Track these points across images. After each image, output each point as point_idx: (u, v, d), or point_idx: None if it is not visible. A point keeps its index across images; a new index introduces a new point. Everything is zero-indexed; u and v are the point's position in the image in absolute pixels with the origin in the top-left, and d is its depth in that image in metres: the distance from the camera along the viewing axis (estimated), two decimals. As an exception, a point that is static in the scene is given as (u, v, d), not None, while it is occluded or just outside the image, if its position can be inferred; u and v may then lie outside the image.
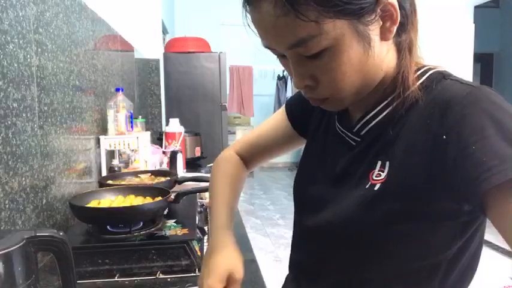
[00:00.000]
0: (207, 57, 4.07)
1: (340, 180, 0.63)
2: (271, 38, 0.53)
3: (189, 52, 4.02)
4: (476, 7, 4.05)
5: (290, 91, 6.50)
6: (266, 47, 0.56)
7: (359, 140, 0.62)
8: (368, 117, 0.60)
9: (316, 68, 0.53)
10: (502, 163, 0.45)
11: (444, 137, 0.50)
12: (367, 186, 0.57)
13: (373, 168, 0.57)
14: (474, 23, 4.02)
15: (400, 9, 0.52)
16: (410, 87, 0.55)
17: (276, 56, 0.58)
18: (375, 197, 0.55)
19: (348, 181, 0.61)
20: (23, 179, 0.93)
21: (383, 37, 0.53)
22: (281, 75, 6.68)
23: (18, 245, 0.52)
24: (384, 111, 0.58)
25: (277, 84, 6.75)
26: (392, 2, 0.51)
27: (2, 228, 0.82)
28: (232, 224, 0.74)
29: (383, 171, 0.56)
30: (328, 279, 0.65)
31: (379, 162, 0.57)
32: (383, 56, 0.55)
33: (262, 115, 7.02)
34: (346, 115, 0.66)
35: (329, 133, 0.70)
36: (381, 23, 0.52)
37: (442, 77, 0.56)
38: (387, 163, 0.56)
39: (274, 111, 6.74)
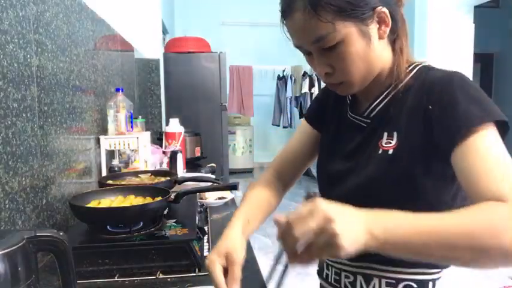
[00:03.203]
0: (207, 57, 4.07)
1: (355, 154, 0.80)
2: (300, 37, 0.72)
3: (189, 52, 4.02)
4: (476, 7, 4.04)
5: (290, 91, 6.49)
6: (296, 45, 0.75)
7: (369, 121, 0.80)
8: (374, 104, 0.79)
9: (332, 57, 0.72)
10: (468, 121, 0.64)
11: (430, 107, 0.69)
12: (379, 152, 0.75)
13: (380, 138, 0.76)
14: (474, 23, 4.02)
15: (392, 19, 0.72)
16: (403, 79, 0.75)
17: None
18: (390, 160, 0.73)
19: (362, 154, 0.78)
20: (23, 179, 0.93)
21: (379, 36, 0.73)
22: (281, 75, 6.67)
23: (18, 245, 0.52)
24: (386, 98, 0.78)
25: (277, 84, 6.74)
26: (385, 11, 0.70)
27: (2, 228, 0.82)
28: (243, 220, 0.80)
29: (392, 140, 0.74)
30: None
31: (386, 133, 0.75)
32: (380, 51, 0.74)
33: (262, 115, 7.01)
34: (356, 105, 0.85)
35: (341, 123, 0.87)
36: (377, 25, 0.71)
37: (428, 69, 0.76)
38: (395, 133, 0.74)
39: (274, 111, 6.78)
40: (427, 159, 0.70)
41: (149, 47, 3.31)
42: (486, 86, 5.80)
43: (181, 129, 2.29)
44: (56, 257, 0.60)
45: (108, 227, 1.01)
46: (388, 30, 0.72)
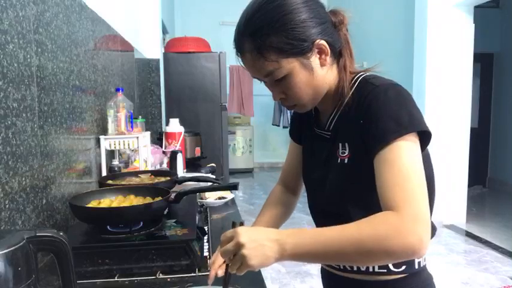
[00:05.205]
0: (207, 57, 4.07)
1: (326, 163, 0.90)
2: (253, 72, 0.84)
3: (189, 52, 4.02)
4: (476, 7, 4.03)
5: (290, 91, 6.49)
6: (252, 76, 0.86)
7: (330, 133, 0.90)
8: (330, 118, 0.89)
9: (283, 87, 0.83)
10: (382, 137, 0.74)
11: (361, 121, 0.79)
12: (339, 161, 0.85)
13: (337, 149, 0.86)
14: (474, 23, 4.01)
15: (332, 45, 0.81)
16: (347, 95, 0.84)
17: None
18: (347, 168, 0.84)
19: (331, 162, 0.88)
20: (23, 179, 0.93)
21: (321, 64, 0.82)
22: (281, 75, 6.67)
23: (18, 245, 0.52)
24: (338, 112, 0.87)
25: (277, 84, 6.74)
26: (323, 42, 0.80)
27: (2, 228, 0.82)
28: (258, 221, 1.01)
29: (345, 150, 0.85)
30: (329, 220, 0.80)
31: (340, 144, 0.86)
32: (324, 75, 0.84)
33: (262, 115, 7.00)
34: (319, 121, 0.95)
35: (313, 136, 0.97)
36: (318, 55, 0.81)
37: (365, 81, 0.83)
38: (346, 144, 0.84)
39: (274, 111, 6.79)
40: (370, 166, 0.77)
41: (149, 47, 3.31)
42: (486, 86, 5.80)
43: (181, 129, 2.29)
44: (56, 257, 0.60)
45: (108, 227, 1.01)
46: (328, 57, 0.82)
